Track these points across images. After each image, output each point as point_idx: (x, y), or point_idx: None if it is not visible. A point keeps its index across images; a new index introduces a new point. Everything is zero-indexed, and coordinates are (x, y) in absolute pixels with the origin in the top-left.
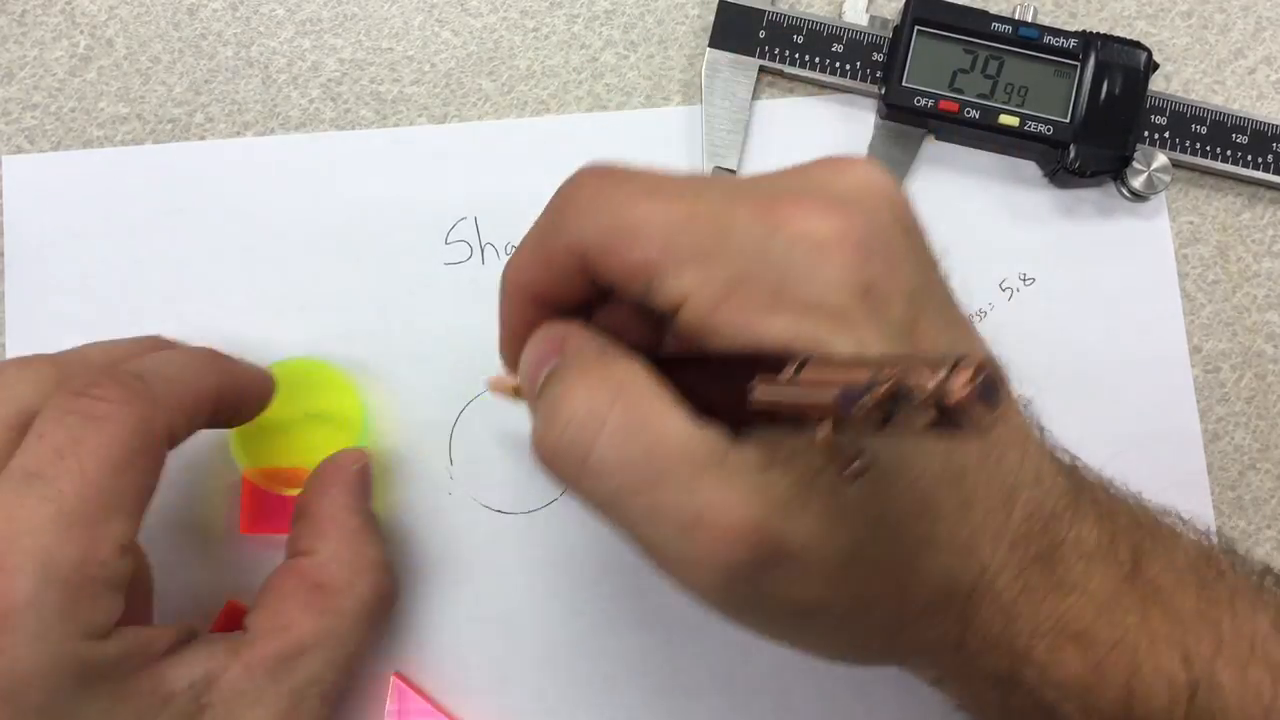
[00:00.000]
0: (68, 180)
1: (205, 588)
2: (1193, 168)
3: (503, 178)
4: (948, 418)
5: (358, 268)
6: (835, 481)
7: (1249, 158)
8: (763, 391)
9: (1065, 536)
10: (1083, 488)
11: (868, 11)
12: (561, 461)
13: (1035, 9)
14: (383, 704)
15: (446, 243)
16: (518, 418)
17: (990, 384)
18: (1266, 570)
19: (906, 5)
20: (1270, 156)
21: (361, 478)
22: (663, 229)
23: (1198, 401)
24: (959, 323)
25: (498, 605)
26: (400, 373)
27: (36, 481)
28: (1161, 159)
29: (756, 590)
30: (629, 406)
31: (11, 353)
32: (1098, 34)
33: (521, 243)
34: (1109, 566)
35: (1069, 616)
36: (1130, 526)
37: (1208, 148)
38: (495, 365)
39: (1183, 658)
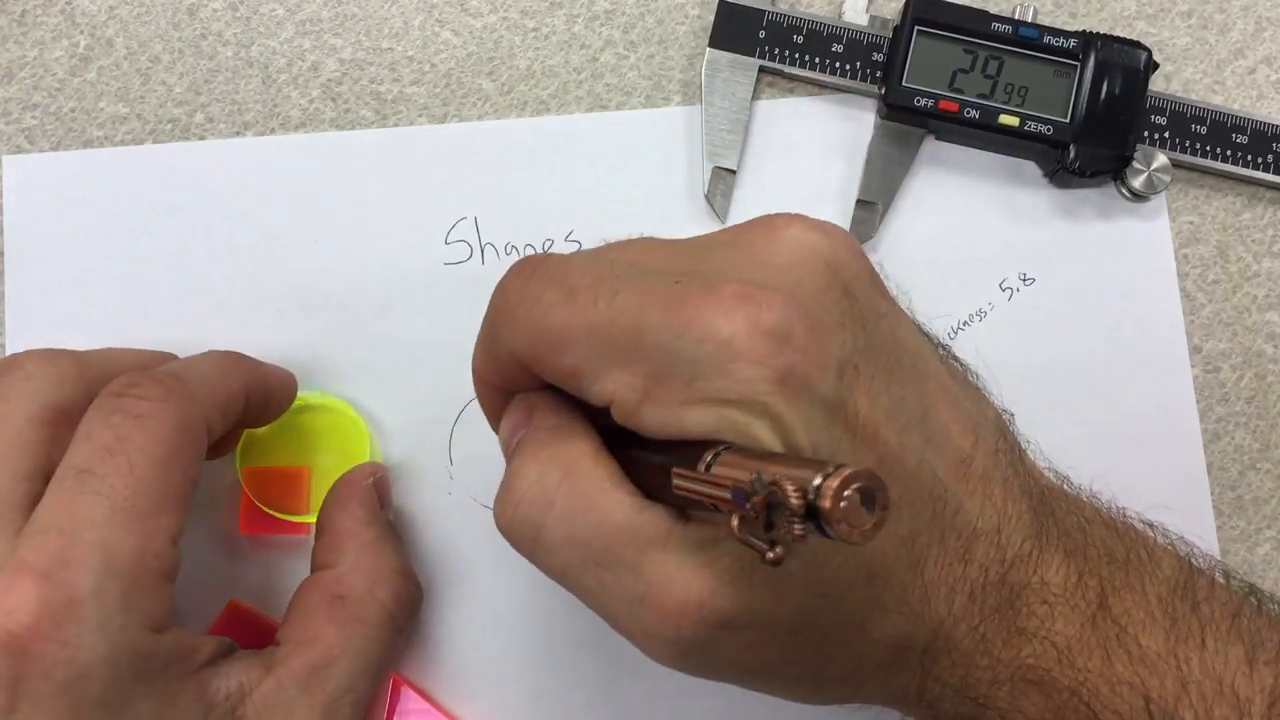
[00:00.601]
0: (68, 180)
1: (206, 588)
2: (1193, 168)
3: (503, 178)
4: (820, 526)
5: (358, 268)
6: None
7: (1249, 158)
8: (679, 480)
9: (1028, 581)
10: (1052, 522)
11: (867, 11)
12: (516, 536)
13: (1035, 9)
14: (383, 704)
15: (446, 243)
16: None
17: (865, 496)
18: (1250, 591)
19: (906, 5)
20: (1270, 156)
21: (376, 491)
22: (580, 337)
23: (1198, 401)
24: (908, 377)
25: (498, 605)
26: (400, 373)
27: (90, 478)
28: (1161, 159)
29: (707, 659)
30: (576, 487)
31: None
32: (1098, 34)
33: (476, 342)
34: (1073, 609)
35: (1030, 664)
36: (1101, 561)
37: (1208, 148)
38: None
39: (1145, 701)
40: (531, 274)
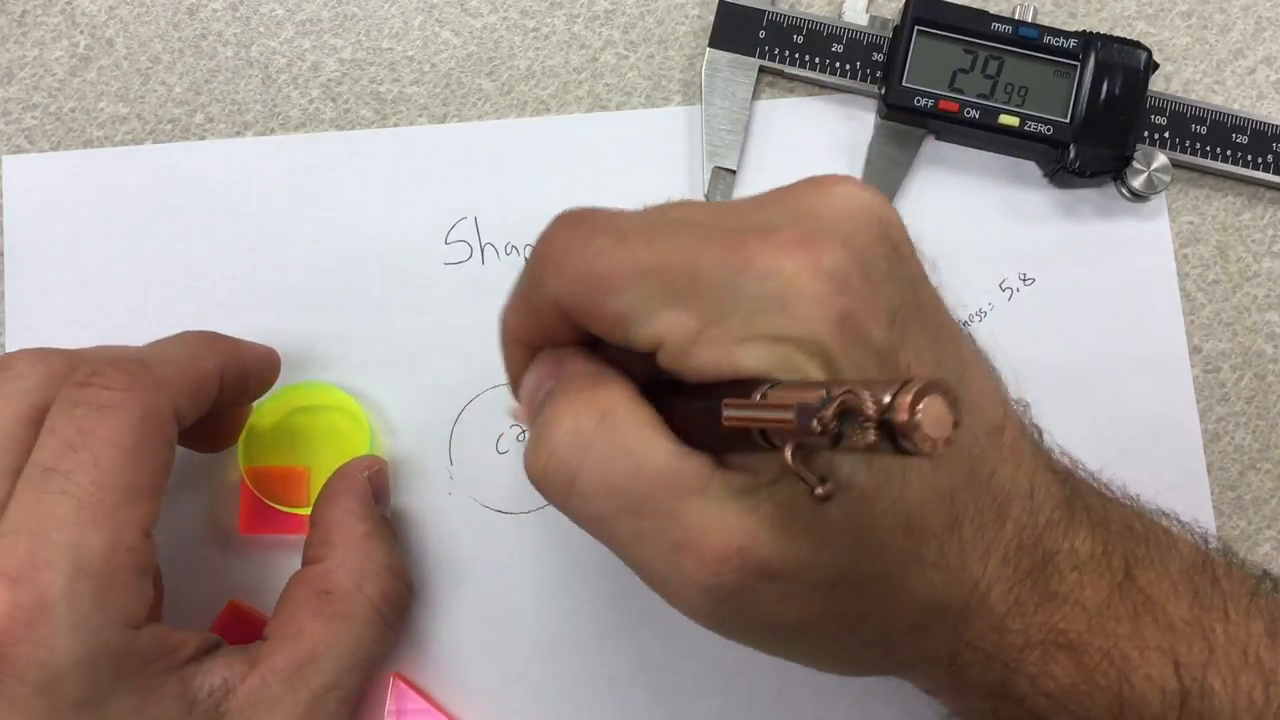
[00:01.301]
0: (68, 180)
1: (206, 588)
2: (1193, 168)
3: (503, 177)
4: (894, 439)
5: (358, 268)
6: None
7: (1249, 158)
8: (731, 412)
9: (1059, 548)
10: (1077, 496)
11: (867, 11)
12: (550, 484)
13: (1035, 9)
14: (383, 704)
15: (446, 243)
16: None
17: (940, 404)
18: (1264, 575)
19: (906, 5)
20: (1270, 156)
21: (371, 485)
22: (633, 278)
23: (1198, 401)
24: (948, 338)
25: (498, 605)
26: (400, 373)
27: (54, 477)
28: (1161, 159)
29: (743, 610)
30: (614, 432)
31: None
32: (1098, 34)
33: (511, 294)
34: (1101, 576)
35: (1060, 628)
36: (1124, 534)
37: (1208, 148)
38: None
39: (1174, 666)
40: (580, 222)
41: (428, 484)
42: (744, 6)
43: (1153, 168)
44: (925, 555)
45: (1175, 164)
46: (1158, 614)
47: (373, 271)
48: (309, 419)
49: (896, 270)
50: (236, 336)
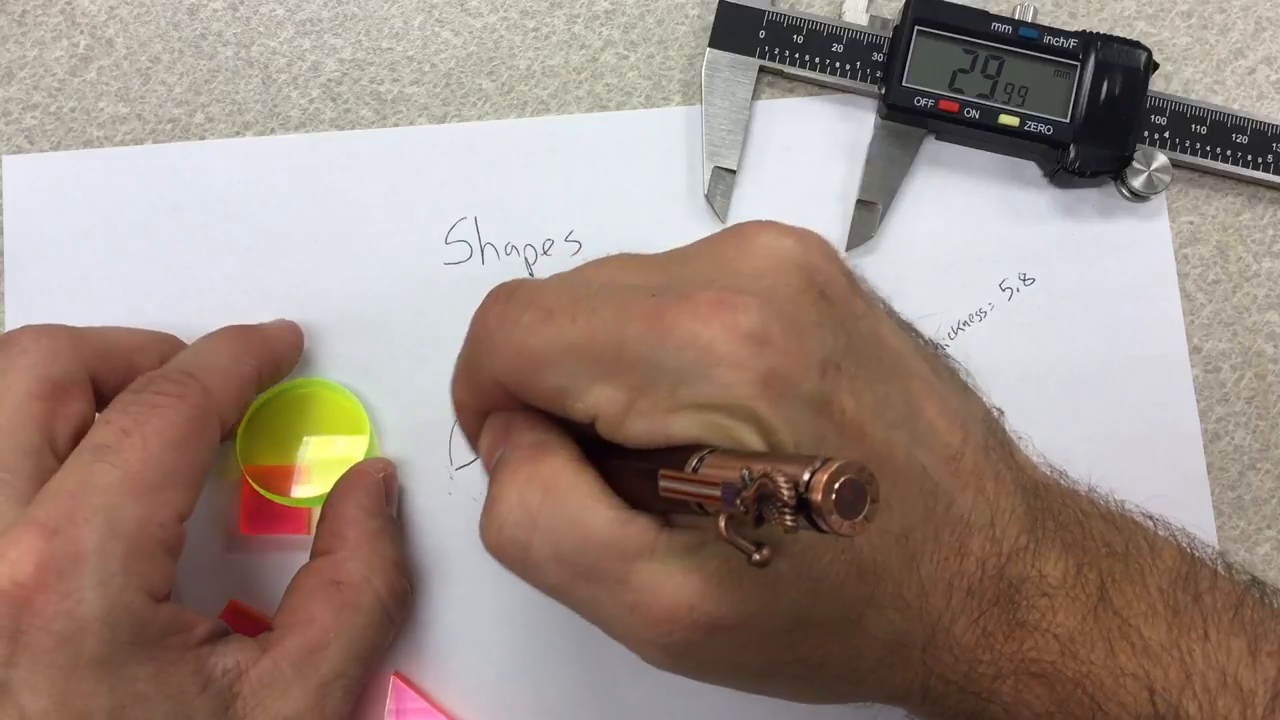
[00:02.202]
0: (68, 180)
1: (206, 588)
2: (1193, 168)
3: (503, 177)
4: (811, 519)
5: (358, 267)
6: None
7: (1249, 158)
8: (666, 483)
9: (1026, 575)
10: (1048, 515)
11: (868, 11)
12: (504, 558)
13: (1035, 9)
14: (383, 704)
15: (446, 242)
16: None
17: (855, 488)
18: (1252, 582)
19: (906, 5)
20: (1270, 156)
21: (384, 485)
22: (562, 356)
23: (1198, 401)
24: (893, 374)
25: (498, 605)
26: (400, 373)
27: (105, 452)
28: (1161, 159)
29: (704, 662)
30: (559, 504)
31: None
32: (1098, 34)
33: (455, 368)
34: (1073, 600)
35: (1032, 656)
36: (1100, 553)
37: (1208, 148)
38: None
39: (1149, 692)
40: (509, 299)
41: (428, 484)
42: (744, 6)
43: (1153, 168)
44: (882, 597)
45: (1175, 164)
46: (1133, 638)
47: (373, 271)
48: (306, 415)
49: (826, 316)
50: (264, 324)
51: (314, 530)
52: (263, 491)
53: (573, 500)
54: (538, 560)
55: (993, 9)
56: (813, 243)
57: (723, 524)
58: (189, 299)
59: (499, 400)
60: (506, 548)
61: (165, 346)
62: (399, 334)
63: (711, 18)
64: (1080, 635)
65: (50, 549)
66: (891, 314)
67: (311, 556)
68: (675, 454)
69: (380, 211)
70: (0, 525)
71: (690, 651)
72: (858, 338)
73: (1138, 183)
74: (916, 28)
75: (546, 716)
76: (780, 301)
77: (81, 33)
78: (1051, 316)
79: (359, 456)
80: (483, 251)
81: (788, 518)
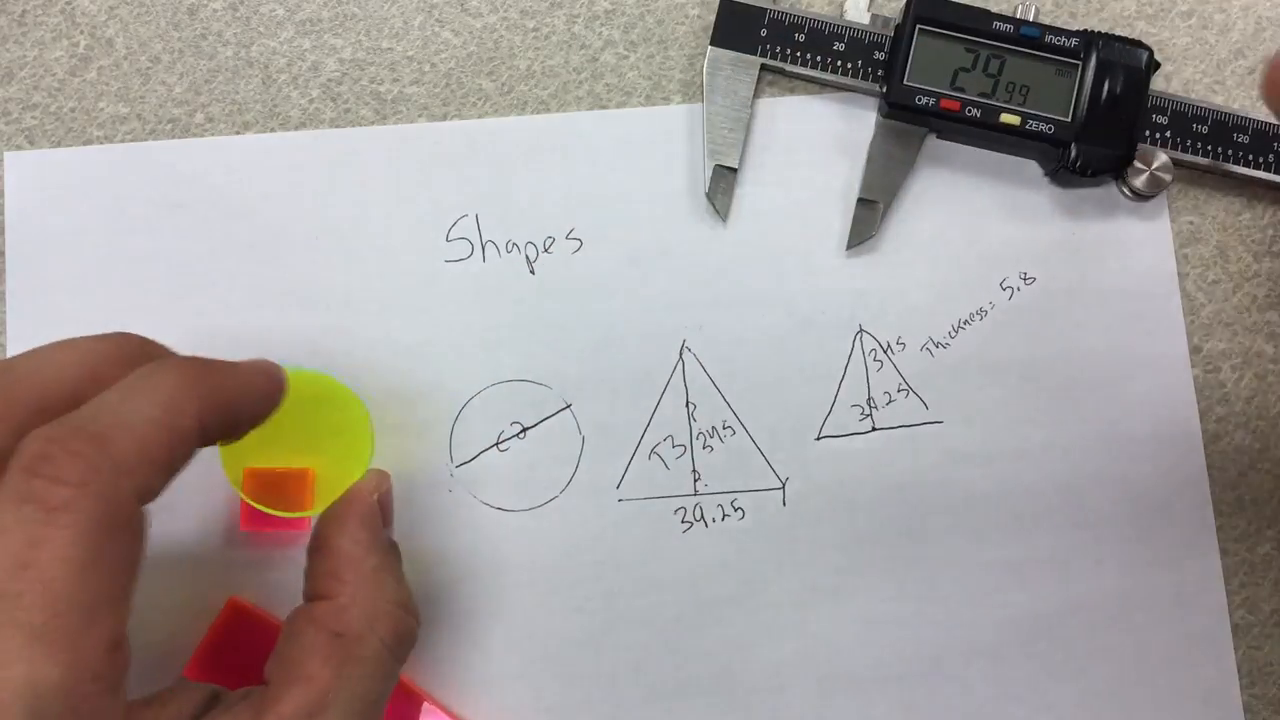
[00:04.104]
0: (69, 177)
1: (206, 585)
2: (1193, 167)
3: (504, 175)
4: None
5: (358, 265)
6: None
7: (1250, 157)
8: None
9: None
10: None
11: (869, 10)
12: None
13: (1036, 8)
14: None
15: (447, 240)
16: (518, 412)
17: None
18: None
19: (908, 4)
20: (1270, 156)
21: (380, 507)
22: None
23: (1198, 401)
24: None
25: (498, 604)
26: (400, 371)
27: (2, 601)
28: (1162, 158)
29: None
30: None
31: (13, 351)
32: (1099, 33)
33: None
34: None
35: None
36: None
37: (1209, 147)
38: (497, 362)
39: None
40: None
41: (428, 484)
42: (745, 4)
43: (1154, 167)
44: None
45: (1176, 163)
46: None
47: (373, 269)
48: (304, 410)
49: None
50: (230, 361)
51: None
52: (258, 505)
53: None
54: None
55: (994, 8)
56: None
57: None
58: (190, 296)
59: None
60: None
61: (127, 351)
62: (399, 332)
63: (711, 18)
64: None
65: None
66: None
67: (305, 596)
68: None
69: (381, 209)
70: None
71: None
72: None
73: (1139, 182)
74: (918, 26)
75: (546, 716)
76: None
77: (81, 33)
78: (1052, 316)
79: (362, 468)
80: (483, 249)
81: None
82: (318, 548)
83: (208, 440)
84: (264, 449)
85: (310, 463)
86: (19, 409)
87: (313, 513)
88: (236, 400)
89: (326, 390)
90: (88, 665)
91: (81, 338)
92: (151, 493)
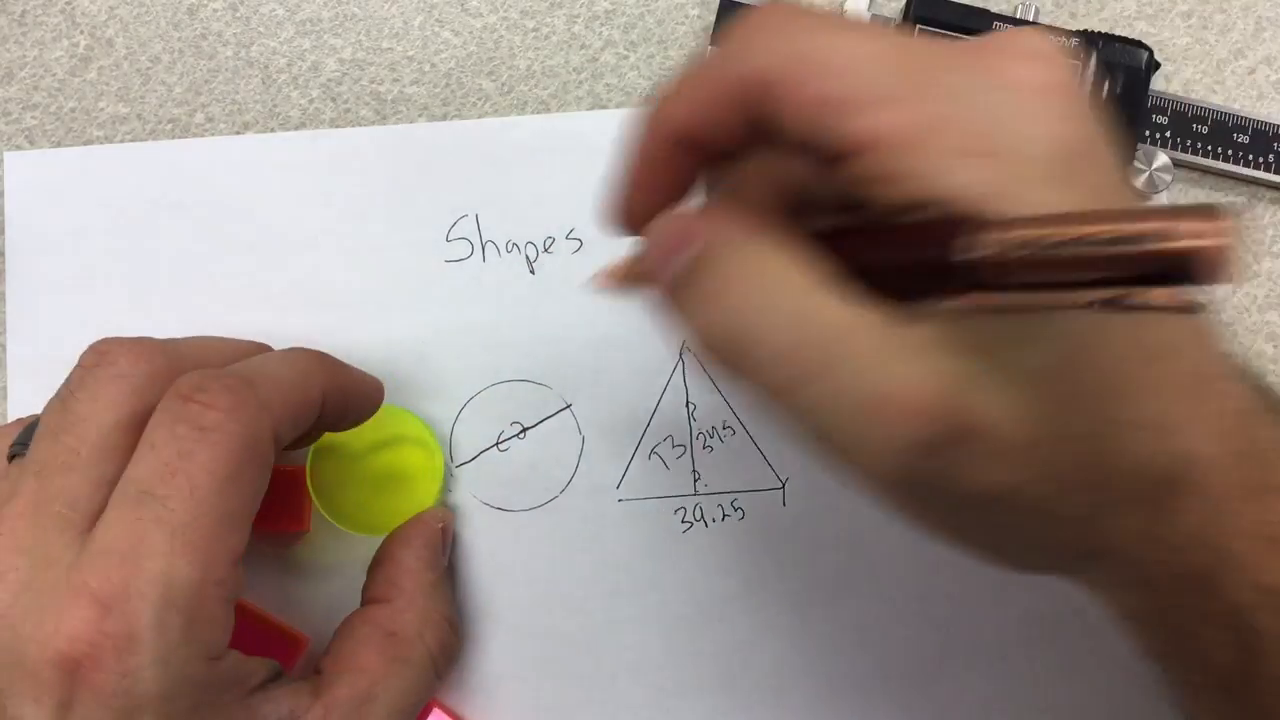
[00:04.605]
0: (70, 176)
1: None
2: (1193, 167)
3: (504, 175)
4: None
5: (358, 265)
6: (1021, 355)
7: (1250, 157)
8: (1061, 250)
9: (1267, 438)
10: (1265, 393)
11: (869, 10)
12: (726, 354)
13: (1036, 8)
14: None
15: (447, 240)
16: (518, 412)
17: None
18: None
19: (908, 4)
20: (1270, 156)
21: (442, 536)
22: (863, 62)
23: None
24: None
25: (498, 604)
26: (400, 371)
27: (150, 501)
28: (1163, 158)
29: (942, 473)
30: (791, 292)
31: (12, 350)
32: (1099, 33)
33: (677, 79)
34: None
35: (1277, 520)
36: None
37: (1209, 147)
38: (497, 361)
39: None
40: (796, 7)
41: None
42: (746, 5)
43: (1154, 167)
44: (1134, 417)
45: (1176, 163)
46: None
47: (373, 269)
48: (389, 442)
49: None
50: (347, 363)
51: (310, 528)
52: (332, 518)
53: (806, 287)
54: (765, 356)
55: (994, 8)
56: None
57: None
58: (191, 296)
59: (721, 123)
60: (733, 343)
61: (257, 352)
62: (399, 332)
63: (712, 18)
64: None
65: (105, 626)
66: None
67: (364, 602)
68: (930, 229)
69: (381, 208)
70: (54, 574)
71: (935, 456)
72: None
73: (1139, 182)
74: (918, 26)
75: (546, 716)
76: (1078, 87)
77: (81, 33)
78: None
79: (430, 500)
80: (483, 249)
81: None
82: (381, 560)
83: (328, 412)
84: (350, 467)
85: (385, 488)
86: (186, 364)
87: (343, 525)
88: (350, 390)
89: (412, 428)
90: (215, 571)
91: (225, 338)
92: (281, 440)
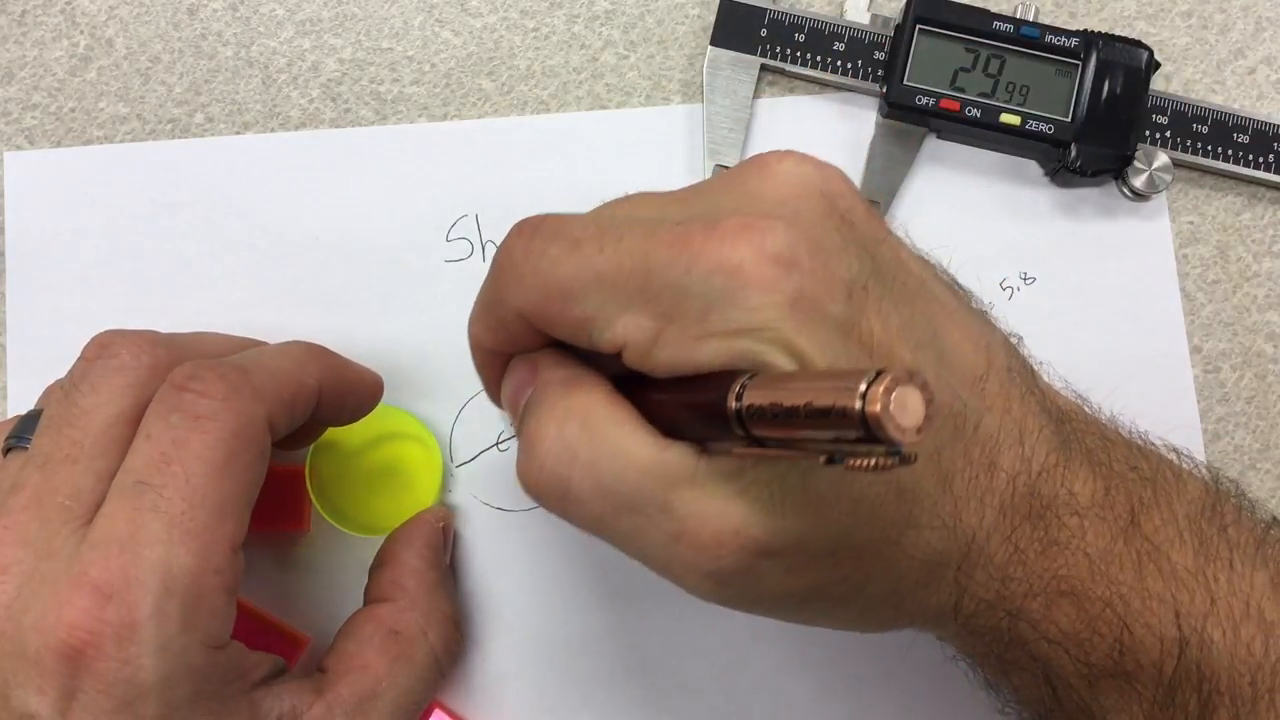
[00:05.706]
0: (70, 176)
1: None
2: (1193, 167)
3: (504, 175)
4: (870, 434)
5: (358, 265)
6: (806, 478)
7: (1250, 157)
8: (763, 432)
9: (1056, 493)
10: (1075, 438)
11: (869, 10)
12: (544, 495)
13: (1036, 8)
14: None
15: (447, 240)
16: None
17: (914, 393)
18: (1274, 522)
19: (908, 4)
20: (1271, 156)
21: (443, 535)
22: (589, 285)
23: (1198, 401)
24: (916, 297)
25: (498, 605)
26: (400, 371)
27: (146, 491)
28: (1162, 158)
29: (749, 588)
30: (597, 435)
31: (12, 350)
32: (1099, 33)
33: (475, 306)
34: (1103, 522)
35: (1062, 575)
36: (1128, 476)
37: (1209, 147)
38: None
39: (1175, 615)
40: (534, 232)
41: None
42: (746, 4)
43: (1154, 167)
44: (920, 517)
45: (1176, 163)
46: (1161, 563)
47: (374, 269)
48: (388, 441)
49: (850, 240)
50: (344, 356)
51: (310, 524)
52: (332, 519)
53: (611, 431)
54: (579, 495)
55: (994, 8)
56: (833, 172)
57: (822, 459)
58: (189, 296)
59: (520, 337)
60: (548, 484)
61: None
62: (400, 331)
63: (711, 18)
64: (1110, 556)
65: (105, 615)
66: (910, 243)
67: (366, 601)
68: (705, 381)
69: (381, 208)
70: (56, 565)
71: (737, 578)
72: (881, 262)
73: (1139, 182)
74: (918, 26)
75: (546, 716)
76: (806, 225)
77: (81, 33)
78: (1052, 316)
79: (430, 499)
80: (484, 249)
81: (866, 451)
82: (384, 561)
83: (325, 403)
84: (349, 467)
85: (385, 487)
86: (187, 356)
87: (343, 526)
88: (348, 381)
89: (409, 427)
90: (213, 559)
91: (222, 334)
92: (276, 428)
